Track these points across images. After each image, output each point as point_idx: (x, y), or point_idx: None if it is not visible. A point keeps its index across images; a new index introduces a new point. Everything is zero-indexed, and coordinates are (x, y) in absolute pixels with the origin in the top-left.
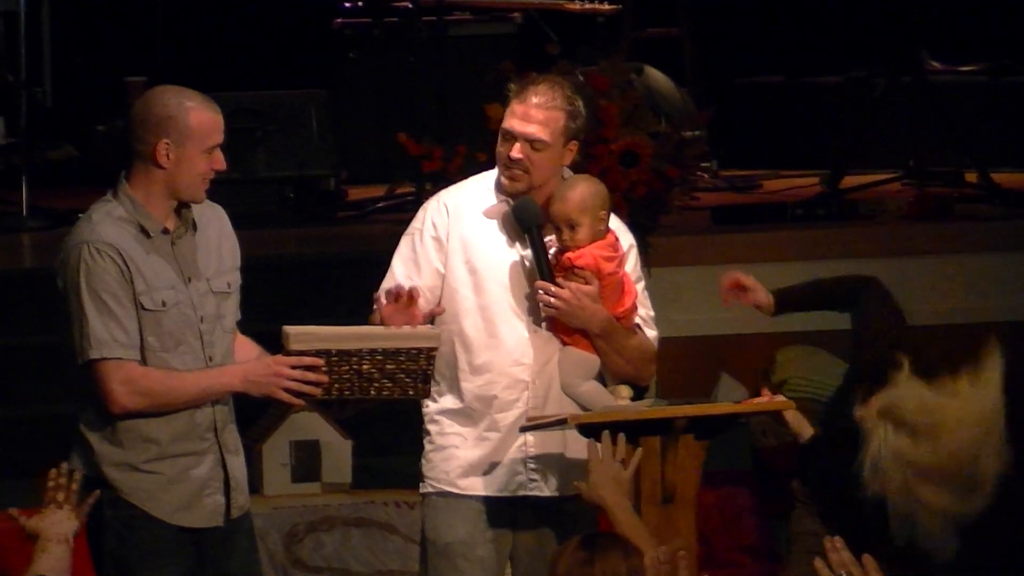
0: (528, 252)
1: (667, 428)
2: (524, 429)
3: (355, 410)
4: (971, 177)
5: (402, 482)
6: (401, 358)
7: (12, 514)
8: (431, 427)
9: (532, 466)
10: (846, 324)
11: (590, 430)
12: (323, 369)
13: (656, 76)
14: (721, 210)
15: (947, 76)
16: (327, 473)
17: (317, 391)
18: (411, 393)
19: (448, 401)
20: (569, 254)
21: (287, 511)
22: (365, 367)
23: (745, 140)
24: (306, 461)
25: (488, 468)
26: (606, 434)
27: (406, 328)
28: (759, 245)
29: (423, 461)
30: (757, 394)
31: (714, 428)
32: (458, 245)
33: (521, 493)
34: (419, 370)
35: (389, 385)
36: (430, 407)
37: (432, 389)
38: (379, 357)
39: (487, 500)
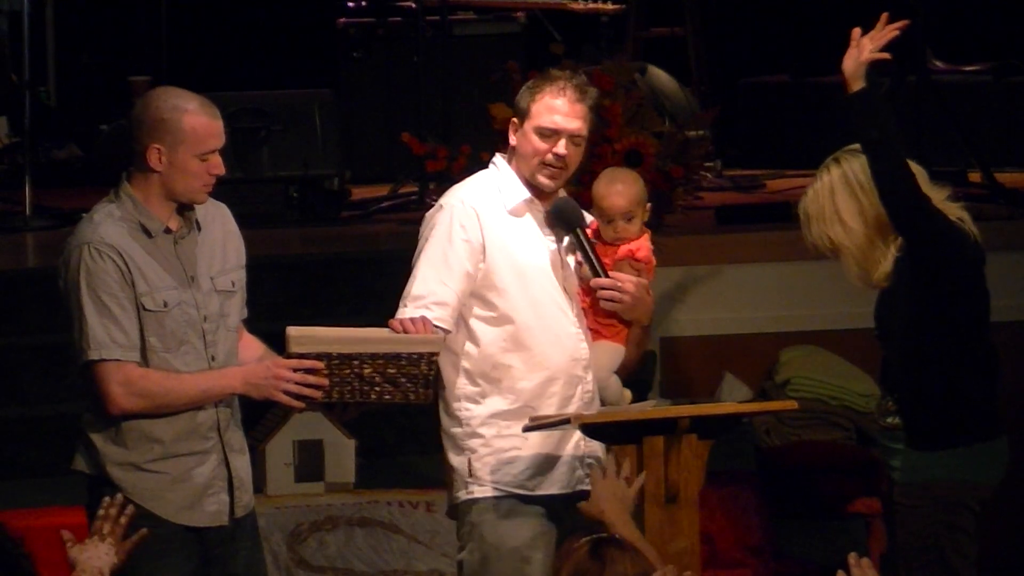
0: (555, 247)
1: (671, 428)
2: (527, 429)
3: (356, 413)
4: (975, 177)
5: (406, 482)
6: (402, 362)
7: (63, 537)
8: (484, 431)
9: (588, 461)
10: (849, 324)
11: (593, 430)
12: (324, 372)
13: (660, 75)
14: (725, 210)
15: (951, 76)
16: (331, 473)
17: (317, 394)
18: (412, 398)
19: (498, 403)
20: (629, 246)
21: (291, 511)
22: (366, 371)
23: (749, 140)
24: (309, 461)
25: (553, 466)
26: (610, 458)
27: (408, 333)
28: (763, 245)
29: (476, 465)
30: (761, 393)
31: (718, 428)
32: (497, 248)
33: (579, 488)
34: (420, 375)
35: (390, 389)
36: (474, 412)
37: (474, 393)
38: (380, 361)
39: (550, 499)
